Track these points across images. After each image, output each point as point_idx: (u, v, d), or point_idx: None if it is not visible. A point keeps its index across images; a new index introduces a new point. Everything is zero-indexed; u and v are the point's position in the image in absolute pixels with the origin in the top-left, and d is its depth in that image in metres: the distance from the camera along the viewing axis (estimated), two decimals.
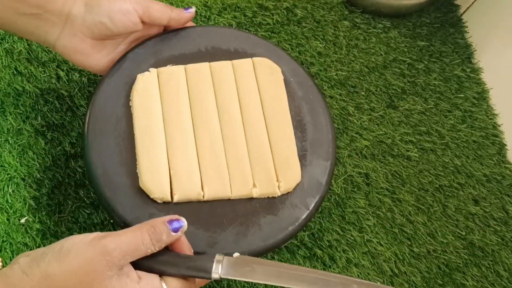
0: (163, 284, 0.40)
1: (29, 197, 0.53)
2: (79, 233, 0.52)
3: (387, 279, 0.55)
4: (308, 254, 0.55)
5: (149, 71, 0.53)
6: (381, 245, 0.57)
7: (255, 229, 0.49)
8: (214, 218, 0.49)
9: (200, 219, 0.48)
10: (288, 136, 0.53)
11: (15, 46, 0.60)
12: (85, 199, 0.54)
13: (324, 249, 0.55)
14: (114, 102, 0.52)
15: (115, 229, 0.53)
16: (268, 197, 0.51)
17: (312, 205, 0.51)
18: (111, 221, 0.53)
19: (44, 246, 0.51)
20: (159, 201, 0.48)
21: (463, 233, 0.59)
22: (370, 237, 0.57)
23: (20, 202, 0.52)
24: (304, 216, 0.50)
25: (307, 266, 0.54)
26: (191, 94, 0.53)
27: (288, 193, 0.51)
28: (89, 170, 0.49)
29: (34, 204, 0.53)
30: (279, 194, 0.51)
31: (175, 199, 0.48)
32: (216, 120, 0.52)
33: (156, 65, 0.54)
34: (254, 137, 0.52)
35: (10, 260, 0.50)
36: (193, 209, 0.49)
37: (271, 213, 0.50)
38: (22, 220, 0.52)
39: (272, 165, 0.51)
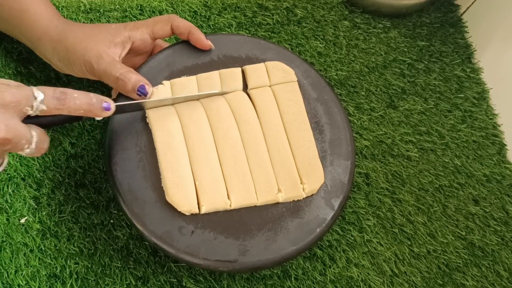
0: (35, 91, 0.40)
1: (29, 197, 0.53)
2: (80, 233, 0.52)
3: (387, 279, 0.55)
4: (308, 254, 0.55)
5: (162, 84, 0.53)
6: (381, 245, 0.57)
7: (284, 234, 0.49)
8: (242, 226, 0.49)
9: (229, 228, 0.49)
10: (307, 138, 0.54)
11: (15, 46, 0.60)
12: (85, 199, 0.54)
13: (324, 249, 0.55)
14: (133, 117, 0.52)
15: (115, 230, 0.53)
16: (293, 201, 0.51)
17: (337, 205, 0.52)
18: (136, 234, 0.53)
19: (44, 246, 0.51)
20: (187, 213, 0.48)
21: (463, 233, 0.59)
22: (370, 237, 0.57)
23: (20, 202, 0.52)
24: (330, 217, 0.51)
25: (307, 266, 0.54)
26: (206, 104, 0.53)
27: (312, 195, 0.52)
28: (114, 186, 0.49)
29: (34, 204, 0.53)
30: (304, 197, 0.51)
31: (203, 210, 0.49)
32: (235, 128, 0.53)
33: (171, 77, 0.54)
34: (275, 143, 0.53)
35: (10, 260, 0.50)
36: (221, 218, 0.49)
37: (298, 217, 0.50)
38: (22, 220, 0.52)
39: (295, 169, 0.52)
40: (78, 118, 0.45)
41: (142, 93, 0.51)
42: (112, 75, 0.50)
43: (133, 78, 0.50)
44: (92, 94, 0.44)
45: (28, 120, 0.40)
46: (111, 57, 0.51)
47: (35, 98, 0.40)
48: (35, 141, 0.40)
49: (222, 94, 0.54)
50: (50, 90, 0.41)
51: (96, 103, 0.43)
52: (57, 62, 0.53)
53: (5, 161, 0.42)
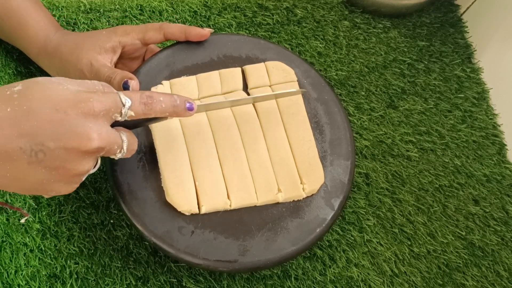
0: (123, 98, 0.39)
1: (29, 197, 0.53)
2: (80, 233, 0.52)
3: (387, 279, 0.55)
4: (308, 254, 0.55)
5: (162, 84, 0.53)
6: (381, 245, 0.57)
7: (284, 234, 0.49)
8: (242, 226, 0.49)
9: (229, 228, 0.49)
10: (308, 138, 0.54)
11: (15, 46, 0.59)
12: (85, 199, 0.54)
13: (324, 249, 0.55)
14: None
15: (115, 230, 0.53)
16: (293, 201, 0.51)
17: (337, 205, 0.52)
18: (136, 235, 0.53)
19: (44, 246, 0.51)
20: (187, 213, 0.48)
21: (463, 233, 0.59)
22: (370, 237, 0.57)
23: (20, 202, 0.52)
24: (330, 217, 0.51)
25: (307, 266, 0.54)
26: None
27: (312, 195, 0.52)
28: (114, 186, 0.49)
29: (34, 204, 0.53)
30: (304, 197, 0.51)
31: (203, 210, 0.49)
32: (235, 128, 0.53)
33: (170, 77, 0.54)
34: (275, 143, 0.53)
35: (10, 260, 0.50)
36: (221, 218, 0.49)
37: (298, 217, 0.51)
38: (22, 220, 0.52)
39: (295, 169, 0.52)
40: (160, 118, 0.44)
41: (125, 88, 0.51)
42: (101, 79, 0.51)
43: (118, 76, 0.50)
44: (175, 96, 0.43)
45: (115, 123, 0.40)
46: (101, 62, 0.52)
47: (123, 104, 0.39)
48: (125, 145, 0.41)
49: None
50: (136, 94, 0.40)
51: (180, 105, 0.43)
52: (55, 74, 0.54)
53: (98, 162, 0.41)
